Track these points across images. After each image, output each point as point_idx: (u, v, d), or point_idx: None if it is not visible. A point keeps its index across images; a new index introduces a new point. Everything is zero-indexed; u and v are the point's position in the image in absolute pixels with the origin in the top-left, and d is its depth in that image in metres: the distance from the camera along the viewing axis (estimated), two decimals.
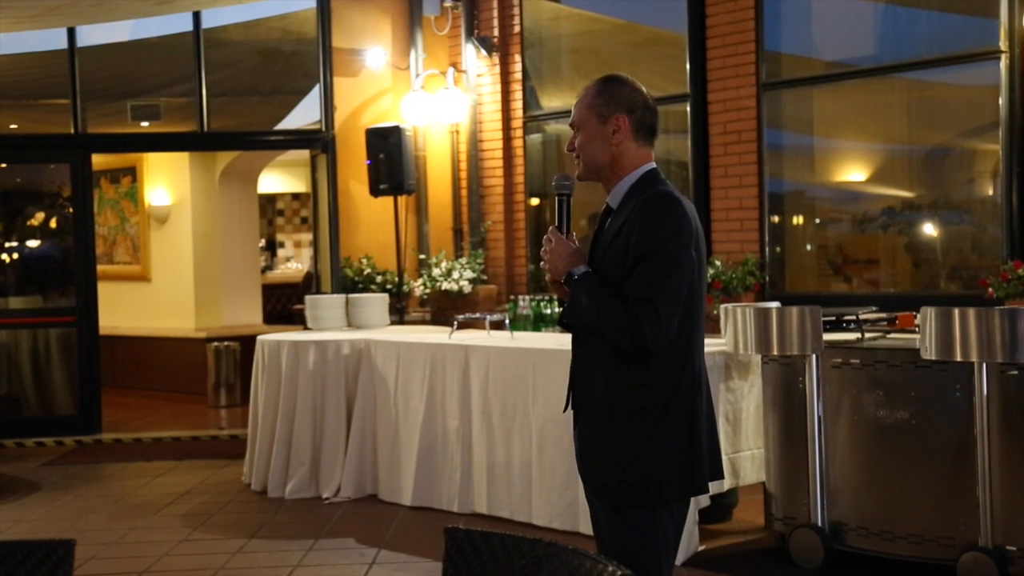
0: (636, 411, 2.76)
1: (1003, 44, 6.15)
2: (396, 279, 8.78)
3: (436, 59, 9.20)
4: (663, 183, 2.85)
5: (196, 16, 9.16)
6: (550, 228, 2.87)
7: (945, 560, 4.65)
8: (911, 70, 7.03)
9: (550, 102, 8.90)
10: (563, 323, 2.92)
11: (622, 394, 2.78)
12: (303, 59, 9.49)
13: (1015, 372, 4.50)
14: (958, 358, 4.49)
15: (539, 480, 5.84)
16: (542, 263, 2.90)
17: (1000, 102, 6.18)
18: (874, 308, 5.67)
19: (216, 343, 10.76)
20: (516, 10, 8.78)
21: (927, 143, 7.44)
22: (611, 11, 8.71)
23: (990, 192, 6.64)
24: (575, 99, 2.93)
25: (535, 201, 8.99)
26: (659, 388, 2.76)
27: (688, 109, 7.70)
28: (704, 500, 5.11)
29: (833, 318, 5.31)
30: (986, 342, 4.38)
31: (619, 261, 2.75)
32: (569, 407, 2.96)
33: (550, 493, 5.79)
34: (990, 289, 5.69)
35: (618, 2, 8.69)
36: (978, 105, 6.67)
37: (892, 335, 5.29)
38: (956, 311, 4.45)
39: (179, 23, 9.33)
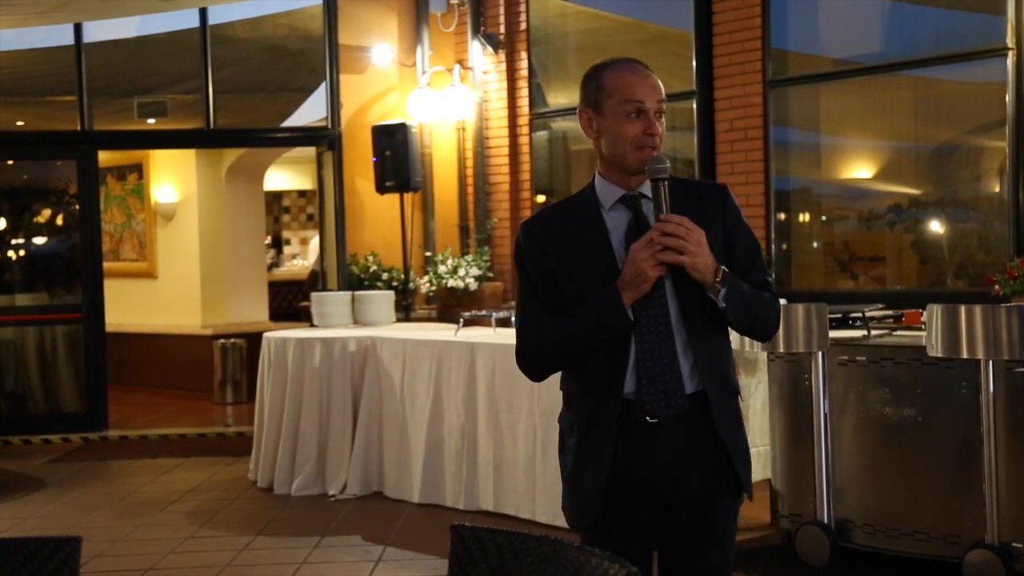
0: (736, 397, 2.70)
1: (1010, 41, 6.13)
2: (402, 276, 8.78)
3: (442, 56, 9.20)
4: None
5: (203, 13, 9.17)
6: (662, 214, 2.52)
7: (951, 557, 4.64)
8: (917, 67, 7.01)
9: (556, 99, 8.90)
10: (727, 316, 2.57)
11: (734, 379, 2.70)
12: (310, 56, 9.50)
13: (1022, 369, 4.49)
14: (964, 355, 4.48)
15: (543, 477, 5.85)
16: (661, 254, 2.49)
17: (1007, 99, 6.16)
18: (880, 305, 5.67)
19: (222, 340, 10.78)
20: (522, 7, 8.78)
21: (933, 140, 7.42)
22: (617, 8, 8.70)
23: (996, 189, 6.63)
24: (647, 80, 2.61)
25: (541, 198, 8.99)
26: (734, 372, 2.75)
27: (694, 106, 7.69)
28: None
29: (839, 315, 5.30)
30: (992, 339, 4.37)
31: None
32: (663, 406, 2.57)
33: (555, 490, 5.76)
34: (996, 286, 5.68)
35: (623, 0, 8.68)
36: (985, 102, 6.65)
37: (898, 332, 5.28)
38: (962, 308, 4.45)
39: (185, 20, 9.34)
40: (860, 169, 7.78)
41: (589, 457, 2.63)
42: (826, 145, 7.87)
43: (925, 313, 4.64)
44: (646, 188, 2.63)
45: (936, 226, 7.31)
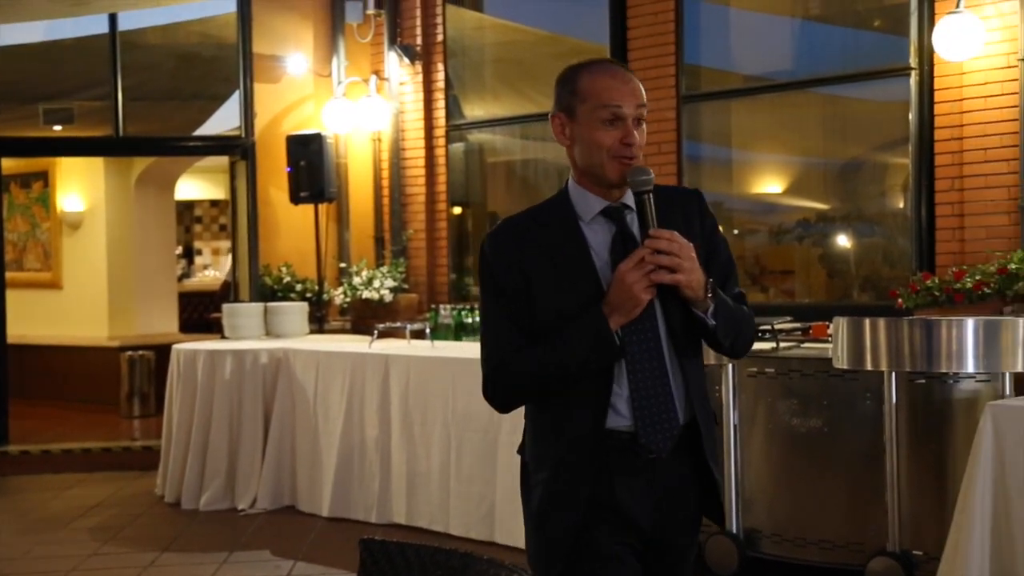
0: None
1: (913, 61, 6.30)
2: (316, 287, 8.70)
3: (358, 66, 9.14)
4: None
5: (112, 18, 8.98)
6: (651, 230, 2.32)
7: (855, 565, 4.73)
8: (825, 85, 7.17)
9: (473, 111, 8.90)
10: (714, 336, 2.40)
11: (711, 406, 2.54)
12: (223, 64, 9.36)
13: (923, 381, 4.61)
14: (868, 367, 4.58)
15: (456, 490, 5.83)
16: (654, 274, 2.29)
17: (910, 117, 6.33)
18: (789, 318, 5.76)
19: (130, 352, 10.56)
20: (439, 19, 8.77)
21: (841, 156, 7.59)
22: (534, 22, 8.75)
23: (900, 205, 6.80)
24: (626, 84, 2.40)
25: (457, 210, 8.98)
26: None
27: None
28: None
29: None
30: (895, 351, 4.47)
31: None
32: (656, 436, 2.37)
33: (467, 503, 5.78)
34: (899, 300, 5.82)
35: (540, 13, 8.73)
36: (889, 120, 6.82)
37: (806, 345, 5.38)
38: (867, 321, 4.55)
39: (94, 25, 9.14)
40: (771, 184, 7.93)
41: (563, 496, 2.39)
42: (738, 160, 8.00)
43: (831, 326, 4.73)
44: (628, 199, 2.42)
45: (843, 240, 7.47)
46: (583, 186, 2.45)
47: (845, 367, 4.65)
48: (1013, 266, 5.42)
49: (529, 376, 2.40)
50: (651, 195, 2.34)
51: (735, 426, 5.09)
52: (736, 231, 7.97)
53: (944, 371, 4.50)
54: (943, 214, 6.10)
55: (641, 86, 2.42)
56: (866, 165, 7.37)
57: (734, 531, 5.06)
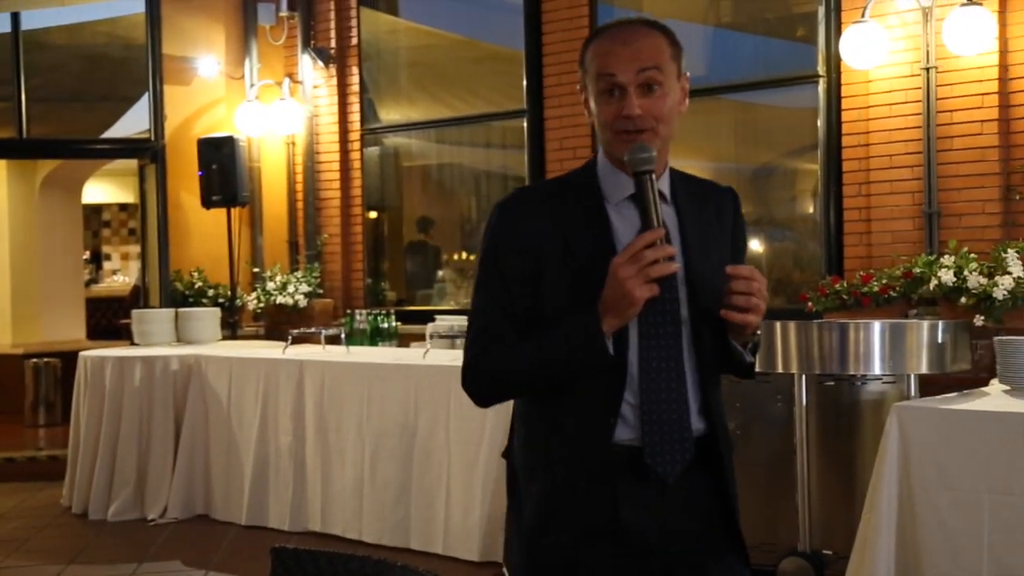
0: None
1: (821, 69, 6.43)
2: (229, 293, 8.57)
3: (271, 69, 9.04)
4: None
5: (15, 17, 8.75)
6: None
7: (767, 566, 4.79)
8: (737, 91, 7.29)
9: (388, 115, 8.86)
10: (743, 369, 2.22)
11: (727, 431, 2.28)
12: (132, 65, 9.18)
13: (832, 383, 4.70)
14: (780, 369, 4.65)
15: (371, 496, 5.79)
16: (655, 267, 1.99)
17: (819, 124, 6.45)
18: None
19: (35, 360, 10.27)
20: (354, 22, 8.71)
21: (753, 162, 7.71)
22: (449, 27, 8.74)
23: (810, 210, 6.93)
24: (626, 47, 2.08)
25: (373, 214, 8.93)
26: None
27: (525, 125, 7.79)
28: None
29: None
30: (805, 354, 4.55)
31: (722, 264, 2.13)
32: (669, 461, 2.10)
33: (382, 509, 5.74)
34: (809, 303, 5.93)
35: (456, 18, 8.72)
36: (799, 126, 6.96)
37: None
38: (778, 324, 4.62)
39: None
40: None
41: (558, 515, 2.13)
42: None
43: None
44: (664, 180, 2.15)
45: (755, 245, 7.59)
46: (611, 162, 2.14)
47: (757, 370, 4.71)
48: (918, 270, 5.56)
49: (512, 372, 2.14)
50: (652, 177, 2.05)
51: None
52: None
53: (852, 373, 4.60)
54: (851, 219, 6.23)
55: (660, 42, 2.08)
56: (777, 170, 7.50)
57: None
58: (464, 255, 8.91)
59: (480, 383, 2.18)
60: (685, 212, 2.14)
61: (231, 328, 8.32)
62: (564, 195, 2.16)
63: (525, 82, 7.74)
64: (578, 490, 2.10)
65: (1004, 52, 5.68)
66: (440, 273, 8.88)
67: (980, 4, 5.55)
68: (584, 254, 2.08)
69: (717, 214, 2.21)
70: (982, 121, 5.72)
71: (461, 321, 7.48)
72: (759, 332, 2.16)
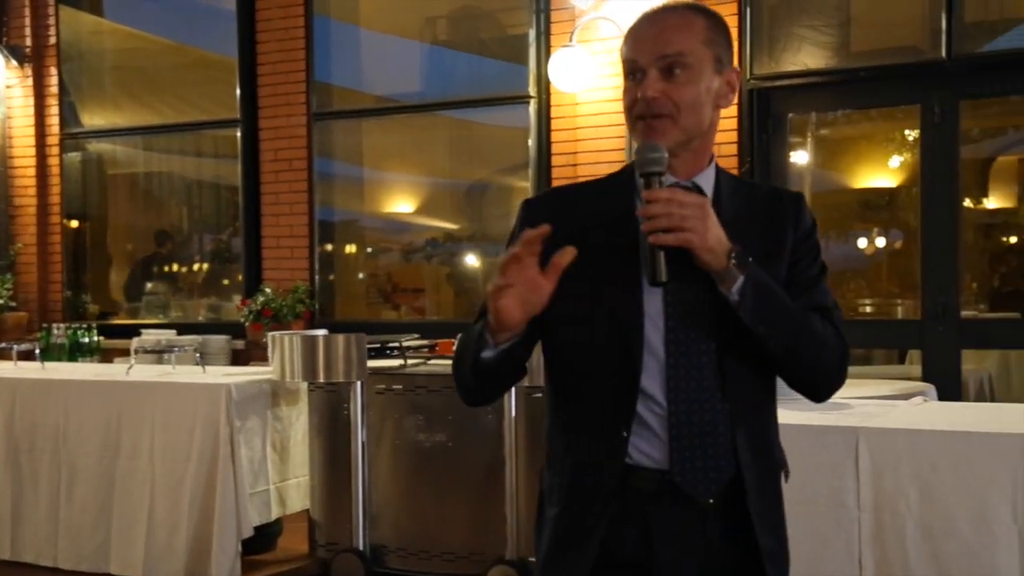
0: (779, 476, 2.00)
1: (532, 90, 6.65)
2: None
3: None
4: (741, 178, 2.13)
5: None
6: (660, 186, 1.81)
7: (476, 575, 4.89)
8: (452, 108, 7.43)
9: (92, 120, 8.41)
10: (748, 319, 1.83)
11: (780, 458, 1.99)
12: None
13: (539, 395, 4.84)
14: None
15: (67, 520, 5.45)
16: (671, 221, 1.77)
17: (529, 143, 6.67)
18: (416, 335, 5.88)
19: None
20: (52, 20, 8.22)
21: (467, 178, 7.88)
22: (158, 30, 8.41)
23: None
24: (650, 28, 1.90)
25: (74, 223, 8.45)
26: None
27: (239, 135, 7.60)
28: (248, 530, 5.03)
29: (378, 345, 5.44)
30: None
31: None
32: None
33: (79, 533, 5.42)
34: None
35: (166, 22, 8.40)
36: (511, 145, 7.17)
37: (433, 361, 5.50)
38: None
39: None
40: (402, 203, 8.08)
41: (570, 543, 1.92)
42: (370, 179, 8.09)
43: (456, 342, 4.86)
44: (705, 177, 1.94)
45: (470, 259, 7.75)
46: None
47: None
48: None
49: (456, 355, 1.97)
50: (661, 180, 1.82)
51: (362, 443, 5.11)
52: (369, 249, 8.06)
53: None
54: None
55: (695, 25, 1.88)
56: (491, 187, 7.70)
57: (360, 547, 5.07)
58: (176, 267, 8.58)
59: (453, 374, 2.01)
60: (725, 216, 1.86)
61: None
62: (598, 190, 1.99)
63: (239, 91, 7.56)
64: (588, 510, 1.89)
65: None
66: (148, 285, 8.51)
67: None
68: (605, 254, 1.88)
69: (769, 220, 1.95)
70: None
71: (170, 335, 7.20)
72: (736, 263, 1.80)
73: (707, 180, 1.94)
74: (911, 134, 7.11)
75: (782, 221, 1.94)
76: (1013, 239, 9.18)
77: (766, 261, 1.87)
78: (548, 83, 6.43)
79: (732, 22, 6.03)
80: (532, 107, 6.63)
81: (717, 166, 1.97)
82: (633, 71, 1.87)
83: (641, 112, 1.86)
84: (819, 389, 1.95)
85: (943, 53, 5.77)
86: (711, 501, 1.86)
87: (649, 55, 1.85)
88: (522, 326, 1.82)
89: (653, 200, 1.78)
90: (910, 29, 6.16)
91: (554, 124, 6.51)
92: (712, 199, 1.90)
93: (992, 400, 5.89)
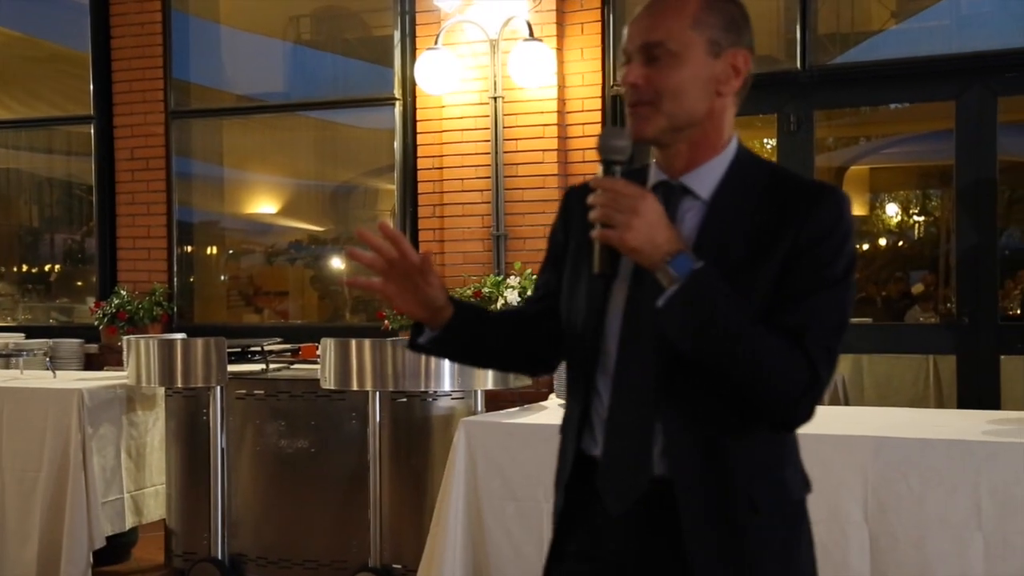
0: (777, 514, 1.82)
1: (397, 92, 6.59)
2: None
3: None
4: (781, 168, 1.91)
5: None
6: (598, 178, 1.73)
7: None
8: (317, 109, 7.32)
9: None
10: (672, 333, 1.72)
11: (763, 484, 1.80)
12: None
13: (404, 400, 4.81)
14: (355, 387, 4.69)
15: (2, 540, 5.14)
16: (604, 215, 1.69)
17: (395, 146, 6.61)
18: (279, 339, 5.77)
19: None
20: None
21: (332, 180, 7.78)
22: (5, 22, 8.06)
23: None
24: (643, 16, 1.83)
25: None
26: (796, 474, 1.87)
27: (92, 132, 7.34)
28: (100, 541, 4.85)
29: (239, 349, 5.32)
30: (380, 372, 4.62)
31: (746, 281, 1.74)
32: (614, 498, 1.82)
33: (21, 551, 5.09)
34: (386, 321, 6.06)
35: (13, 13, 8.05)
36: (377, 147, 7.10)
37: (296, 366, 5.41)
38: (353, 342, 4.65)
39: None
40: (265, 204, 7.92)
41: (565, 536, 1.93)
42: (231, 179, 7.91)
43: (320, 347, 4.80)
44: (701, 176, 1.82)
45: (336, 262, 7.65)
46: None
47: (332, 387, 4.73)
48: (487, 289, 5.84)
49: None
50: (619, 169, 1.73)
51: (222, 450, 4.99)
52: (231, 251, 7.88)
53: (424, 390, 4.73)
54: (425, 239, 6.43)
55: (687, 8, 1.79)
56: (357, 190, 7.61)
57: (219, 556, 4.95)
58: (24, 268, 8.24)
59: None
60: (719, 211, 1.79)
61: None
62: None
63: (92, 86, 7.30)
64: (555, 503, 1.95)
65: (562, 87, 6.12)
66: None
67: (540, 40, 5.93)
68: (587, 250, 1.81)
69: (774, 214, 1.77)
70: (543, 150, 6.13)
71: (18, 338, 6.91)
72: (670, 264, 1.68)
73: (710, 174, 1.82)
74: (769, 142, 7.31)
75: (785, 217, 1.76)
76: (865, 246, 9.54)
77: (750, 261, 1.75)
78: (414, 85, 6.38)
79: (595, 29, 6.11)
80: (397, 109, 6.58)
81: (740, 157, 1.84)
82: (627, 59, 1.83)
83: (628, 99, 1.81)
84: (772, 417, 1.78)
85: (798, 64, 5.94)
86: (636, 506, 1.79)
87: (635, 41, 1.80)
88: (428, 312, 1.87)
89: (595, 189, 1.70)
90: (767, 40, 6.33)
91: (419, 127, 6.47)
92: (714, 193, 1.80)
93: (845, 403, 6.09)
